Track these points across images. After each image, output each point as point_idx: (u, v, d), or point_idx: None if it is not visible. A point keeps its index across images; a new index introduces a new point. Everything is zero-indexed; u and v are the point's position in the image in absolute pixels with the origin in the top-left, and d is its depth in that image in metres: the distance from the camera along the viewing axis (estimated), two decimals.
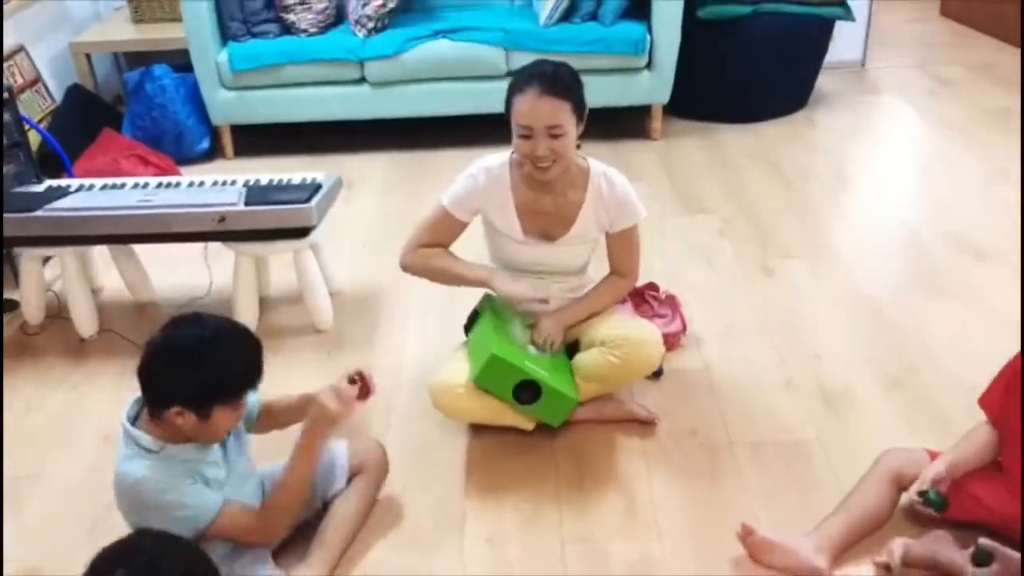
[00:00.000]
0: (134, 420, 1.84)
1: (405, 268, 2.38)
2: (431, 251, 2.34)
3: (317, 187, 2.76)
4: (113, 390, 2.67)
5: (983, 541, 1.78)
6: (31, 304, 2.92)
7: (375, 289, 3.11)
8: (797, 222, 3.44)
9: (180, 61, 4.10)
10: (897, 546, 1.89)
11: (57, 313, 3.01)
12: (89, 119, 4.02)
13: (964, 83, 4.62)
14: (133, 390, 2.48)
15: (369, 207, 3.73)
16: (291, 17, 4.03)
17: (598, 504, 2.16)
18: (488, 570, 1.99)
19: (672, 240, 3.30)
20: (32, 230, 2.68)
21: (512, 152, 2.29)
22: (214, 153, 4.22)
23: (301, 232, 2.70)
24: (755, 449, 2.30)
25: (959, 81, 4.65)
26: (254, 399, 2.02)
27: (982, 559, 1.76)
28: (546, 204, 2.29)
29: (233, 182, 2.85)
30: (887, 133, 4.34)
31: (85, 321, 2.88)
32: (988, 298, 2.83)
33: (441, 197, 2.35)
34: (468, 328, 2.41)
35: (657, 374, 2.55)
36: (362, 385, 1.96)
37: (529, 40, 3.90)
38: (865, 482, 2.01)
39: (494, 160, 2.31)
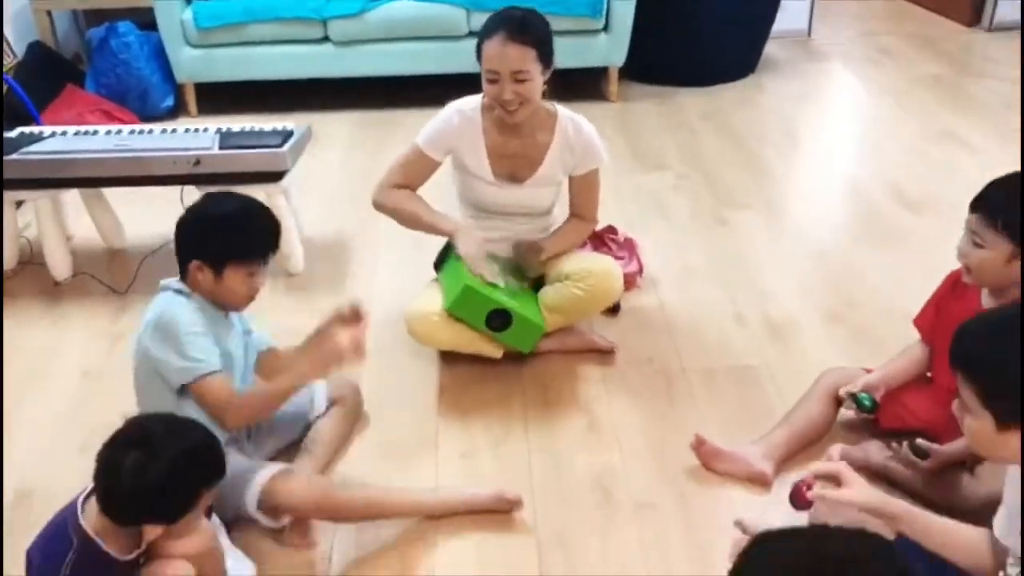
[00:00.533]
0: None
1: (377, 206, 2.49)
2: (404, 193, 2.45)
3: (289, 134, 2.86)
4: (89, 329, 2.75)
5: (921, 440, 1.96)
6: (5, 249, 2.97)
7: (343, 236, 3.22)
8: (749, 177, 3.62)
9: (141, 19, 4.14)
10: (835, 450, 2.05)
11: (30, 259, 3.07)
12: (51, 75, 4.04)
13: (902, 53, 4.85)
14: (110, 330, 2.62)
15: (334, 164, 3.82)
16: None
17: (562, 423, 2.31)
18: (463, 481, 2.13)
19: (629, 194, 3.45)
20: (10, 172, 2.73)
21: (482, 97, 2.40)
22: (178, 111, 4.27)
23: (275, 176, 2.79)
24: (707, 375, 2.47)
25: (898, 51, 4.88)
26: (265, 337, 2.15)
27: (919, 455, 1.95)
28: (515, 146, 2.41)
29: (206, 129, 2.93)
30: (832, 97, 4.55)
31: (59, 265, 2.94)
32: (923, 244, 3.04)
33: (416, 138, 2.46)
34: (438, 265, 2.53)
35: (615, 310, 2.71)
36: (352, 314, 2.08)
37: (490, 0, 4.01)
38: (807, 398, 2.18)
39: (467, 102, 2.42)
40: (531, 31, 2.28)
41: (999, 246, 1.85)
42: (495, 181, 2.44)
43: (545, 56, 2.28)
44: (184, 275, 1.95)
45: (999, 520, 1.58)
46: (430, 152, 2.44)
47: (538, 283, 2.53)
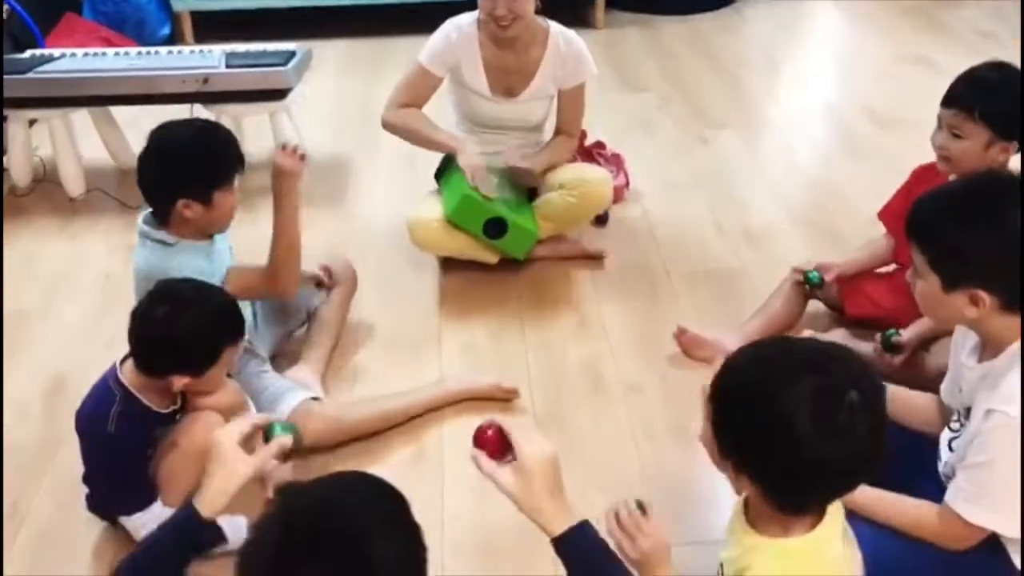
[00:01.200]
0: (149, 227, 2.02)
1: (385, 125, 2.63)
2: (410, 111, 2.59)
3: (292, 54, 2.99)
4: (107, 242, 2.91)
5: (892, 332, 2.14)
6: (19, 167, 3.11)
7: (341, 157, 3.37)
8: (730, 100, 3.79)
9: None
10: (805, 335, 2.27)
11: (43, 178, 3.21)
12: (50, 3, 4.11)
13: None
14: (127, 240, 2.76)
15: (329, 88, 3.95)
16: None
17: (554, 320, 2.51)
18: (465, 370, 2.32)
19: (614, 114, 3.60)
20: (25, 91, 2.86)
21: (477, 16, 2.54)
22: (174, 39, 4.36)
23: (280, 94, 2.93)
24: (689, 276, 2.67)
25: None
26: (227, 260, 2.16)
27: (889, 347, 2.12)
28: (510, 60, 2.55)
29: (211, 50, 3.05)
30: (809, 24, 4.70)
31: (73, 181, 3.09)
32: (894, 158, 3.18)
33: (418, 56, 2.59)
34: (438, 175, 2.69)
35: (603, 221, 2.89)
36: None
37: None
38: (779, 291, 2.38)
39: (464, 18, 2.56)
40: None
41: (977, 135, 2.01)
42: (491, 96, 2.59)
43: None
44: (166, 219, 1.95)
45: (944, 385, 1.80)
46: (432, 68, 2.57)
47: (532, 193, 2.70)
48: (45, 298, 2.65)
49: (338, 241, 2.83)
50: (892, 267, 2.35)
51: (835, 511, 1.30)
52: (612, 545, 1.30)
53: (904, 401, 1.84)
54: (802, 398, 1.15)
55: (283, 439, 1.36)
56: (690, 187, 3.12)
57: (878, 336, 2.18)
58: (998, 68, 2.09)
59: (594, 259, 2.73)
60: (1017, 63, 2.12)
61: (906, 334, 2.14)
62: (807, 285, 2.28)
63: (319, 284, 2.37)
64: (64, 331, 2.52)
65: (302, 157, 2.02)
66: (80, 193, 3.11)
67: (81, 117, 3.20)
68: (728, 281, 2.64)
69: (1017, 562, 1.59)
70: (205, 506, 1.32)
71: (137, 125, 3.33)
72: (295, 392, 2.08)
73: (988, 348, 1.58)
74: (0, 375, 2.30)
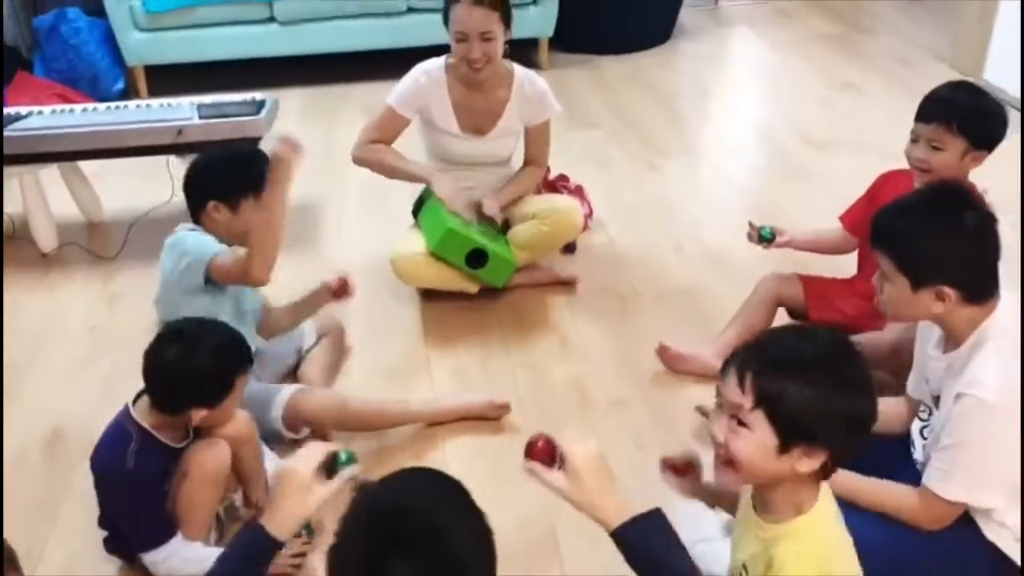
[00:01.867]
0: None
1: (357, 161, 2.76)
2: (380, 147, 2.72)
3: (262, 103, 3.08)
4: (86, 293, 2.95)
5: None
6: None
7: (310, 199, 3.46)
8: (672, 130, 4.01)
9: (83, 5, 4.26)
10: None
11: (12, 235, 3.22)
12: None
13: (801, 15, 5.30)
14: (106, 290, 2.80)
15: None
16: None
17: (536, 342, 2.64)
18: (456, 392, 2.42)
19: (569, 149, 3.75)
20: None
21: (447, 57, 2.68)
22: (129, 94, 4.40)
23: (252, 142, 3.01)
24: (657, 296, 2.83)
25: (796, 13, 5.33)
26: (259, 300, 2.35)
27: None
28: (478, 101, 2.70)
29: (179, 103, 3.12)
30: (741, 57, 4.98)
31: (46, 236, 3.12)
32: (830, 178, 3.45)
33: (387, 98, 2.73)
34: (416, 212, 2.81)
35: (571, 249, 3.04)
36: (342, 287, 2.38)
37: None
38: (750, 302, 2.54)
39: (431, 63, 2.70)
40: None
41: (955, 146, 2.19)
42: (461, 134, 2.72)
43: (506, 18, 2.57)
44: (199, 218, 2.17)
45: (910, 380, 1.98)
46: (401, 111, 2.71)
47: (505, 225, 2.83)
48: (31, 350, 2.67)
49: (317, 281, 2.90)
50: (853, 274, 2.53)
51: (826, 489, 1.44)
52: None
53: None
54: (843, 381, 1.32)
55: (350, 470, 1.43)
56: (647, 213, 3.30)
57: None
58: (966, 86, 2.30)
59: (567, 284, 2.87)
60: (926, 87, 2.33)
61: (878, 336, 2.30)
62: (760, 239, 2.47)
63: (334, 294, 2.40)
64: (55, 381, 2.55)
65: (298, 148, 2.17)
66: (53, 248, 3.14)
67: (49, 173, 3.24)
68: (692, 298, 2.81)
69: (988, 535, 1.76)
70: (275, 527, 1.39)
71: (102, 179, 3.40)
72: (287, 388, 2.21)
73: (951, 340, 1.76)
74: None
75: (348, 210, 3.38)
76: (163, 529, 1.82)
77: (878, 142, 2.44)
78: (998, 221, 1.69)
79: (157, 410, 1.80)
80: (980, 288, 1.69)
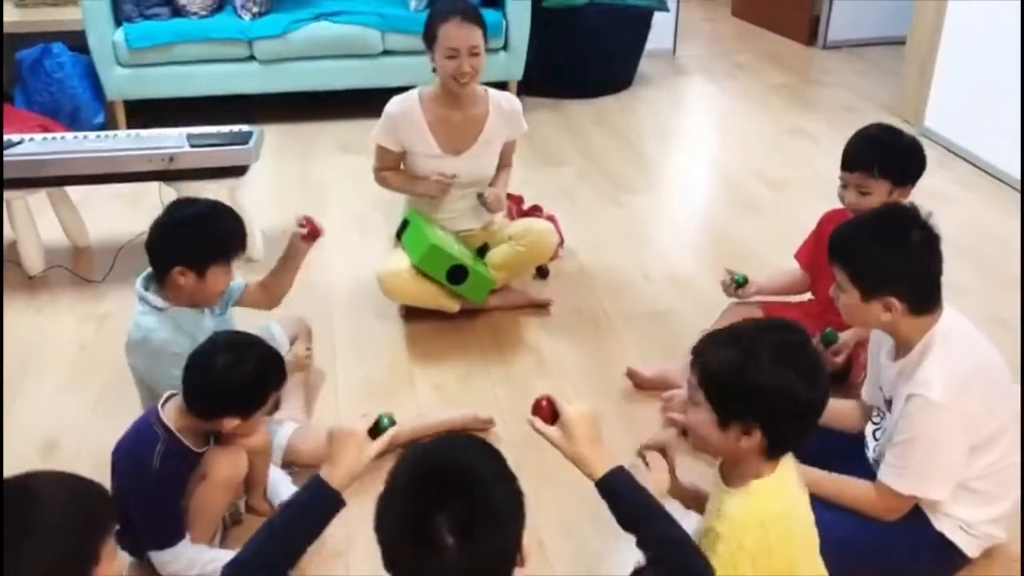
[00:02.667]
0: (145, 291, 2.19)
1: (378, 182, 2.97)
2: (388, 173, 2.92)
3: (248, 133, 3.22)
4: (74, 314, 3.03)
5: (830, 331, 2.43)
6: None
7: (291, 229, 3.57)
8: (636, 169, 4.22)
9: (66, 42, 4.37)
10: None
11: None
12: None
13: (754, 66, 5.60)
14: (94, 310, 2.91)
15: (267, 170, 4.16)
16: (181, 0, 4.41)
17: (515, 360, 2.79)
18: (440, 407, 2.55)
19: (539, 185, 3.94)
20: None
21: (419, 88, 2.86)
22: (108, 127, 4.49)
23: (240, 170, 3.15)
24: (627, 318, 3.00)
25: (750, 65, 5.62)
26: (239, 283, 2.44)
27: (828, 343, 2.41)
28: (455, 118, 2.85)
29: (168, 133, 3.24)
30: (698, 104, 5.25)
31: (34, 259, 3.19)
32: (786, 213, 3.67)
33: (372, 136, 2.90)
34: (399, 233, 2.95)
35: (544, 275, 3.21)
36: (311, 228, 2.43)
37: (402, 23, 4.48)
38: (717, 323, 2.72)
39: (403, 96, 2.86)
40: (478, 14, 2.74)
41: (879, 188, 2.37)
42: (440, 153, 2.85)
43: (486, 35, 2.74)
44: (162, 282, 2.13)
45: (865, 388, 2.16)
46: (386, 144, 2.87)
47: (483, 249, 2.98)
48: (21, 367, 2.74)
49: (303, 304, 3.03)
50: (808, 297, 2.73)
51: (788, 463, 1.61)
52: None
53: (833, 410, 2.19)
54: (783, 363, 1.48)
55: (392, 430, 1.59)
56: (615, 243, 3.49)
57: (818, 335, 2.42)
58: (880, 131, 2.49)
59: (541, 307, 3.03)
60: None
61: (844, 336, 2.47)
62: (734, 284, 2.62)
63: (301, 225, 2.44)
64: (47, 398, 2.62)
65: (316, 235, 2.39)
66: (39, 271, 3.21)
67: (36, 198, 3.31)
68: (660, 320, 2.98)
69: (936, 525, 1.93)
70: (336, 481, 1.51)
71: (88, 204, 3.49)
72: (284, 425, 2.29)
73: (901, 348, 1.95)
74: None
75: (328, 238, 3.48)
76: (176, 530, 1.90)
77: (828, 182, 2.66)
78: (940, 239, 1.88)
79: (194, 414, 1.86)
80: (924, 300, 1.88)
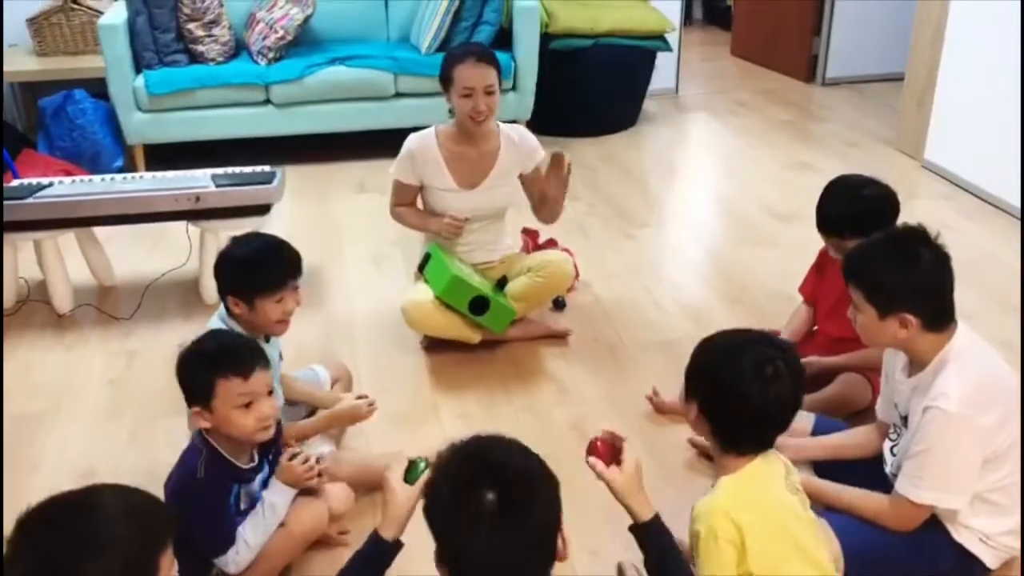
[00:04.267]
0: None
1: (394, 218, 3.06)
2: (404, 209, 3.02)
3: (272, 173, 3.32)
4: (103, 351, 3.10)
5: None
6: (7, 287, 3.27)
7: (311, 267, 3.64)
8: (644, 204, 4.33)
9: (85, 89, 4.50)
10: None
11: (27, 298, 3.37)
12: (6, 141, 4.33)
13: (755, 104, 5.74)
14: (123, 350, 3.04)
15: (284, 210, 4.26)
16: (199, 48, 4.54)
17: (536, 388, 2.86)
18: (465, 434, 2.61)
19: None
20: (27, 215, 3.07)
21: (435, 126, 2.96)
22: (127, 171, 4.60)
23: (265, 209, 3.24)
24: (641, 346, 3.07)
25: (752, 103, 5.76)
26: (311, 372, 2.59)
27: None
28: (471, 154, 2.95)
29: (193, 174, 3.34)
30: (703, 140, 5.37)
31: (63, 298, 3.27)
32: (793, 245, 3.76)
33: (391, 173, 3.00)
34: (421, 268, 3.03)
35: (561, 306, 3.29)
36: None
37: (414, 66, 4.61)
38: None
39: (420, 133, 2.97)
40: (491, 55, 2.86)
41: (854, 244, 2.43)
42: (457, 188, 2.95)
43: (500, 75, 2.86)
44: (227, 307, 2.29)
45: (879, 406, 2.23)
46: (404, 180, 2.97)
47: (500, 284, 3.06)
48: (54, 402, 2.81)
49: (328, 338, 3.12)
50: (815, 327, 2.81)
51: (773, 461, 1.73)
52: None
53: (848, 443, 2.29)
54: (746, 365, 1.65)
55: (426, 474, 1.63)
56: (627, 275, 3.57)
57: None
58: (843, 191, 2.59)
59: (560, 337, 3.10)
60: (877, 165, 2.63)
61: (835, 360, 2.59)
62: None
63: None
64: (82, 431, 2.69)
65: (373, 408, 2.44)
66: (68, 310, 3.29)
67: (63, 239, 3.41)
68: (675, 349, 3.04)
69: (956, 537, 1.99)
70: (387, 529, 1.66)
71: (111, 245, 3.58)
72: (320, 447, 2.36)
73: (915, 364, 2.02)
74: None
75: (348, 274, 3.59)
76: (232, 532, 1.95)
77: None
78: (950, 257, 1.97)
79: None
80: (938, 316, 1.95)
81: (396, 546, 1.69)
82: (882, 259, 1.97)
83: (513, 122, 4.83)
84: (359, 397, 2.49)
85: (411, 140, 2.97)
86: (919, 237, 1.97)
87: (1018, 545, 2.04)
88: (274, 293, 2.25)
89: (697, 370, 1.75)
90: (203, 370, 1.90)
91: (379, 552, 1.69)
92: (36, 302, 3.35)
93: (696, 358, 1.76)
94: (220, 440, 1.93)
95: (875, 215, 2.42)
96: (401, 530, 1.68)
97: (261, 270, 2.25)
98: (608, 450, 1.72)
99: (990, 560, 2.00)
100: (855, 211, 2.49)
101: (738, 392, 1.65)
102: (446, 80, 2.86)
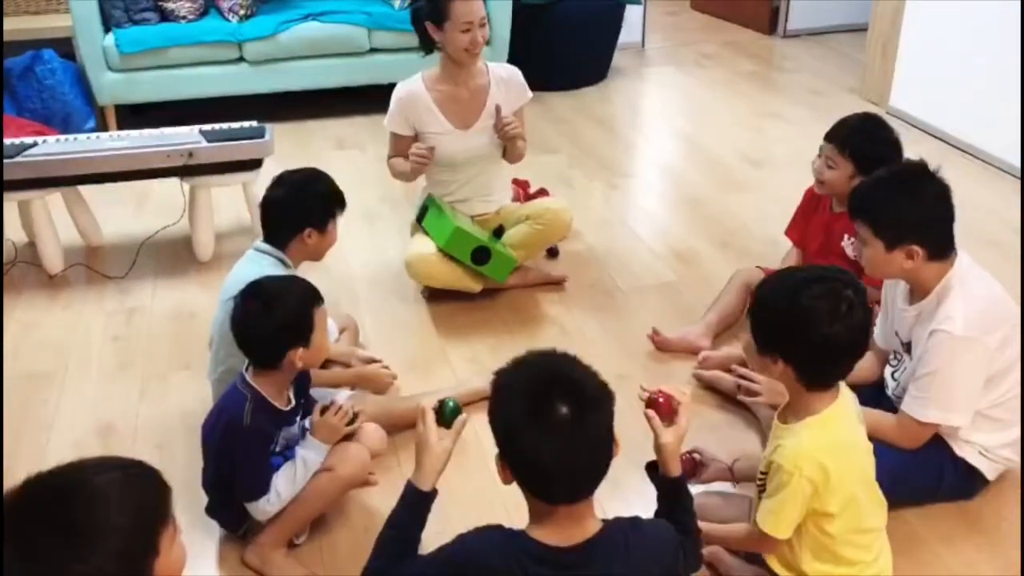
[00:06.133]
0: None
1: (391, 171, 3.06)
2: (398, 160, 3.01)
3: (261, 128, 3.31)
4: (102, 305, 3.10)
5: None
6: None
7: None
8: (626, 155, 4.40)
9: (51, 49, 4.40)
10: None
11: (15, 259, 3.32)
12: None
13: (721, 56, 5.82)
14: (122, 307, 3.06)
15: (268, 171, 4.22)
16: (169, 5, 4.46)
17: (539, 332, 2.93)
18: (476, 376, 2.67)
19: (535, 173, 4.04)
20: (18, 174, 3.02)
21: (420, 72, 2.98)
22: (101, 131, 4.52)
23: (257, 164, 3.24)
24: (637, 290, 3.16)
25: (717, 55, 5.84)
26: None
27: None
28: (462, 94, 2.97)
29: (180, 130, 3.30)
30: (672, 92, 5.44)
31: (54, 259, 3.23)
32: (770, 189, 3.88)
33: (385, 125, 3.02)
34: (420, 219, 3.07)
35: (555, 254, 3.35)
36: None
37: (388, 20, 4.58)
38: (726, 290, 2.89)
39: (408, 81, 2.99)
40: None
41: (844, 166, 2.59)
42: (451, 129, 2.96)
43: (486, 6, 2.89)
44: (285, 243, 2.35)
45: (878, 334, 2.34)
46: (398, 130, 2.99)
47: (497, 233, 3.11)
48: (60, 361, 2.80)
49: (328, 293, 3.11)
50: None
51: (843, 401, 1.78)
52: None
53: None
54: (822, 311, 1.66)
55: (461, 419, 1.70)
56: (617, 224, 3.65)
57: None
58: (872, 122, 2.67)
59: (557, 283, 3.17)
60: (843, 113, 2.72)
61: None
62: None
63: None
64: (93, 387, 2.69)
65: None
66: (60, 270, 3.26)
67: (49, 199, 3.36)
68: (670, 291, 3.15)
69: (957, 451, 2.12)
70: (425, 482, 1.65)
71: (95, 204, 3.54)
72: (340, 393, 2.39)
73: (917, 292, 2.12)
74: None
75: (340, 231, 3.58)
76: (268, 480, 1.98)
77: (807, 159, 2.86)
78: (951, 189, 2.07)
79: (261, 367, 1.96)
80: (942, 245, 2.06)
81: (433, 494, 1.68)
82: (888, 194, 2.06)
83: None
84: (372, 362, 2.64)
85: (399, 89, 2.98)
86: (922, 171, 2.07)
87: (1015, 457, 2.18)
88: (340, 213, 2.44)
89: (774, 329, 1.73)
90: (304, 306, 1.97)
91: (419, 501, 1.67)
92: (25, 263, 3.31)
93: (765, 317, 1.74)
94: (264, 384, 1.96)
95: (886, 150, 2.53)
96: (436, 479, 1.68)
97: (330, 191, 2.42)
98: (667, 408, 1.75)
99: (989, 471, 2.14)
100: (875, 136, 2.60)
101: (825, 338, 1.66)
102: (439, 18, 2.84)
